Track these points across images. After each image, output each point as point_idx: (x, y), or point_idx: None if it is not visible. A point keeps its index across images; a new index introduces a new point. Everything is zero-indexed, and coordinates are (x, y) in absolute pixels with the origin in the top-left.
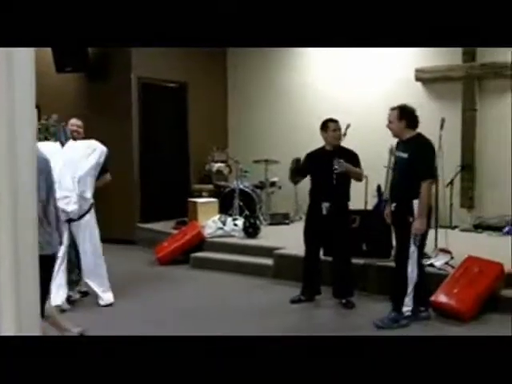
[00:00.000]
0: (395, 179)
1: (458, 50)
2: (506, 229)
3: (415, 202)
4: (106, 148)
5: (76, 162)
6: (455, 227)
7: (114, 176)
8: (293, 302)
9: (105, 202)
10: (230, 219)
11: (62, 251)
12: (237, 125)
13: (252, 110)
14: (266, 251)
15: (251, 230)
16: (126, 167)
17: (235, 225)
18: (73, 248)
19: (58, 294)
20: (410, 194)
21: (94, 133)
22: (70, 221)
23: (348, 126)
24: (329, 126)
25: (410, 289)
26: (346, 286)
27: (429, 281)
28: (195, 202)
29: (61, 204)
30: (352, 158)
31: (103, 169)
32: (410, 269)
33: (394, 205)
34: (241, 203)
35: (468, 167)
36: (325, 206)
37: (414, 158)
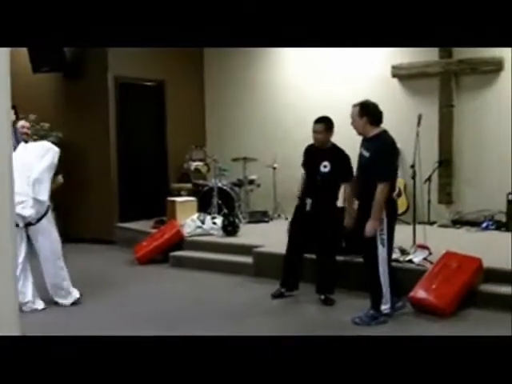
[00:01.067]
0: (358, 178)
1: None
2: (484, 224)
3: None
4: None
5: (30, 164)
6: (433, 223)
7: (92, 176)
8: (274, 296)
9: (83, 201)
10: (208, 218)
11: (21, 257)
12: (215, 123)
13: (230, 108)
14: (246, 249)
15: (230, 229)
16: (103, 167)
17: (214, 223)
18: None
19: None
20: (370, 195)
21: (71, 133)
22: (27, 225)
23: None
24: (313, 126)
25: (386, 287)
26: (327, 282)
27: (405, 276)
28: (174, 201)
29: (17, 209)
30: (340, 160)
31: (56, 171)
32: (381, 269)
33: (357, 203)
34: (219, 201)
35: (446, 163)
36: (308, 202)
37: (375, 158)
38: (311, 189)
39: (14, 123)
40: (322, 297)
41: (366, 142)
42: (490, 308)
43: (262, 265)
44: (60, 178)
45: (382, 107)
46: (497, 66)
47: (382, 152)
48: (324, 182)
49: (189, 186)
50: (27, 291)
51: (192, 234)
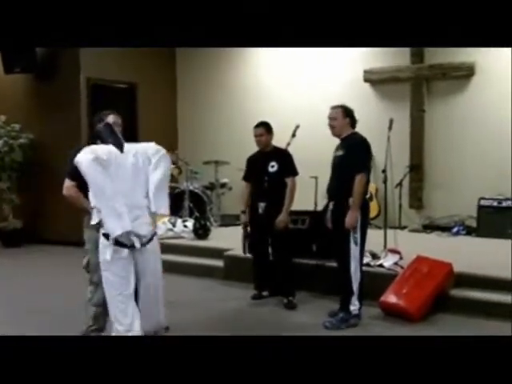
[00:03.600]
0: (332, 178)
1: (407, 51)
2: (455, 229)
3: (351, 200)
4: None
5: (140, 169)
6: (404, 227)
7: (63, 177)
8: (253, 298)
9: (54, 203)
10: (179, 221)
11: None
12: (187, 126)
13: (202, 110)
14: (217, 252)
15: (201, 232)
16: None
17: (185, 226)
18: None
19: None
20: (347, 191)
21: (42, 134)
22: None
23: (297, 127)
24: (254, 131)
25: (356, 288)
26: (287, 285)
27: (376, 280)
28: None
29: (134, 226)
30: (285, 158)
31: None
32: (352, 268)
33: (331, 203)
34: (191, 204)
35: (416, 168)
36: (261, 206)
37: (350, 153)
38: (261, 192)
39: (100, 118)
40: (285, 300)
41: (341, 143)
42: (461, 313)
43: (232, 268)
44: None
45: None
46: (468, 72)
47: (356, 146)
48: (273, 183)
49: None
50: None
51: (163, 237)
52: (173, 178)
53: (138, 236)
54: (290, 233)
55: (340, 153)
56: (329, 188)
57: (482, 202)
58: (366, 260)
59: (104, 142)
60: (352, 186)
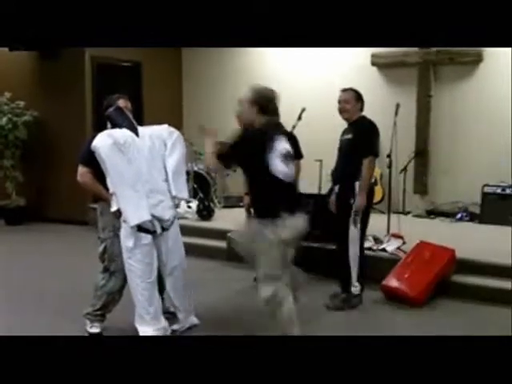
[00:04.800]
0: (339, 162)
1: None
2: (459, 215)
3: (357, 184)
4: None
5: (157, 153)
6: (408, 213)
7: (66, 155)
8: (255, 280)
9: (57, 181)
10: (183, 201)
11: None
12: (192, 106)
13: (207, 91)
14: (220, 234)
15: (205, 213)
16: (79, 147)
17: (189, 207)
18: None
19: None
20: (353, 175)
21: (46, 112)
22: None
23: (303, 110)
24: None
25: (354, 270)
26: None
27: (378, 264)
28: None
29: (156, 211)
30: (291, 141)
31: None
32: (351, 250)
33: (337, 187)
34: (195, 185)
35: (422, 153)
36: None
37: (358, 137)
38: None
39: (110, 102)
40: None
41: (349, 127)
42: (462, 298)
43: (235, 249)
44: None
45: None
46: (476, 58)
47: (366, 130)
48: None
49: None
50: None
51: None
52: None
53: (162, 220)
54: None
55: (348, 136)
56: (335, 171)
57: (486, 189)
58: (368, 244)
59: (117, 126)
60: (359, 169)
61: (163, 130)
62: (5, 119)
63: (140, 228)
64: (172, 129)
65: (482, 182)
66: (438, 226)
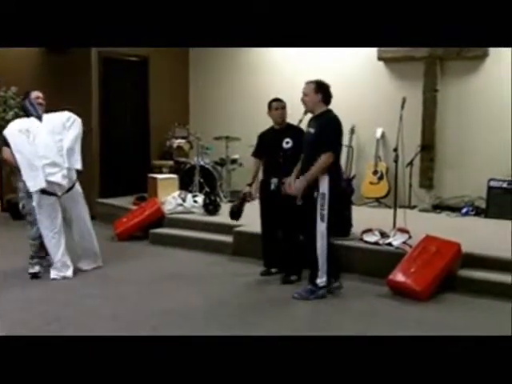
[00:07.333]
0: (304, 153)
1: None
2: (465, 210)
3: (321, 177)
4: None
5: (58, 134)
6: (414, 207)
7: None
8: (261, 274)
9: None
10: (189, 196)
11: (59, 225)
12: (198, 101)
13: (213, 86)
14: (226, 228)
15: (211, 207)
16: (85, 142)
17: (195, 201)
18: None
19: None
20: None
21: (53, 107)
22: (55, 194)
23: None
24: (272, 105)
25: (321, 262)
26: (289, 262)
27: (384, 259)
28: (155, 178)
29: (55, 178)
30: (299, 135)
31: None
32: (318, 243)
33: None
34: (201, 180)
35: (428, 147)
36: (273, 182)
37: (320, 133)
38: (275, 168)
39: (27, 95)
40: (284, 275)
41: (314, 120)
42: (468, 293)
43: (241, 244)
44: None
45: (366, 89)
46: (482, 52)
47: (328, 125)
48: (287, 158)
49: (171, 163)
50: (59, 252)
51: (173, 212)
52: (184, 153)
53: (60, 185)
54: (298, 210)
55: (312, 130)
56: (302, 163)
57: (492, 183)
58: (374, 238)
59: (28, 114)
60: None
61: (63, 115)
62: (11, 113)
63: (44, 191)
64: (70, 114)
65: (488, 177)
66: (443, 220)
